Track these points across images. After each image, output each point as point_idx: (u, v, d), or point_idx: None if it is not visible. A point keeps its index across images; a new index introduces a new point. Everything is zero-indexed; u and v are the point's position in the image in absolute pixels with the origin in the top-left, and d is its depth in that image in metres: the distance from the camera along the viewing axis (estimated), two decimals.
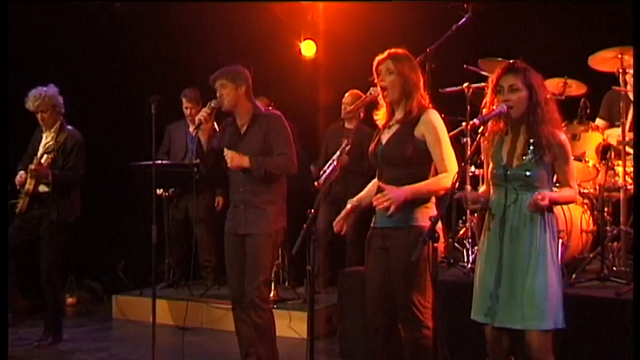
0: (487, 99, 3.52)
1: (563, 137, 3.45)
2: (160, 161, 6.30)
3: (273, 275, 4.65)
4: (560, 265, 3.54)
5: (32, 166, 5.50)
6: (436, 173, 3.66)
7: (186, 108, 6.85)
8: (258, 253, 4.41)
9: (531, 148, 3.40)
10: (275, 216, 4.47)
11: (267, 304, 4.55)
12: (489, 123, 3.48)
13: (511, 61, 3.52)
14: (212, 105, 4.49)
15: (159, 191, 6.56)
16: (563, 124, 4.90)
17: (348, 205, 3.85)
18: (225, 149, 4.45)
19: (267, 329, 4.51)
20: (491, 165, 3.54)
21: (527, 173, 3.39)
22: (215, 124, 4.79)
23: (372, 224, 3.83)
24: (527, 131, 3.43)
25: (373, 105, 3.98)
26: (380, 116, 3.83)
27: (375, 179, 3.85)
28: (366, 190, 3.91)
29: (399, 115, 3.75)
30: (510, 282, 3.38)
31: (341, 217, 3.85)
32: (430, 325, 3.58)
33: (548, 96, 3.49)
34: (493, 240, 3.47)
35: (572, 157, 4.84)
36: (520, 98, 3.40)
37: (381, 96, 3.77)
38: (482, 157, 3.63)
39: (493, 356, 3.53)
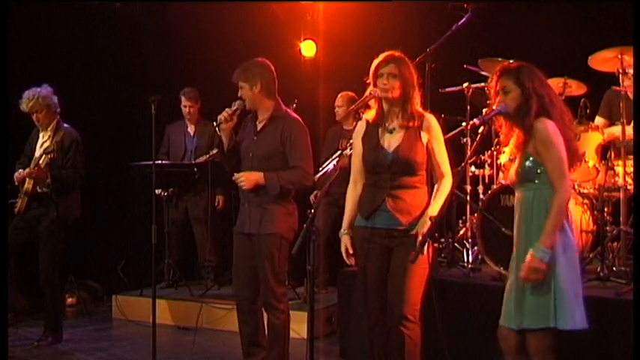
0: (491, 103, 3.60)
1: (547, 125, 3.32)
2: (159, 161, 6.30)
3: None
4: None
5: (30, 169, 5.50)
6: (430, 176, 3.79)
7: (185, 106, 6.86)
8: (265, 255, 4.35)
9: (526, 148, 3.39)
10: (279, 217, 4.37)
11: (281, 303, 4.42)
12: (499, 130, 3.54)
13: (504, 65, 3.55)
14: (235, 106, 4.37)
15: (158, 191, 6.55)
16: None
17: (346, 239, 3.94)
18: (235, 173, 4.38)
19: (282, 330, 4.43)
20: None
21: (527, 172, 3.39)
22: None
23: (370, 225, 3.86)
24: (520, 129, 3.42)
25: None
26: (370, 116, 3.89)
27: (351, 194, 3.91)
28: (348, 210, 3.95)
29: (398, 117, 3.81)
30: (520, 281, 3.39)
31: (348, 250, 3.93)
32: (417, 319, 3.68)
33: (551, 92, 3.47)
34: (514, 243, 3.51)
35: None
36: (513, 98, 3.41)
37: (373, 99, 3.84)
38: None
39: (505, 354, 3.53)
